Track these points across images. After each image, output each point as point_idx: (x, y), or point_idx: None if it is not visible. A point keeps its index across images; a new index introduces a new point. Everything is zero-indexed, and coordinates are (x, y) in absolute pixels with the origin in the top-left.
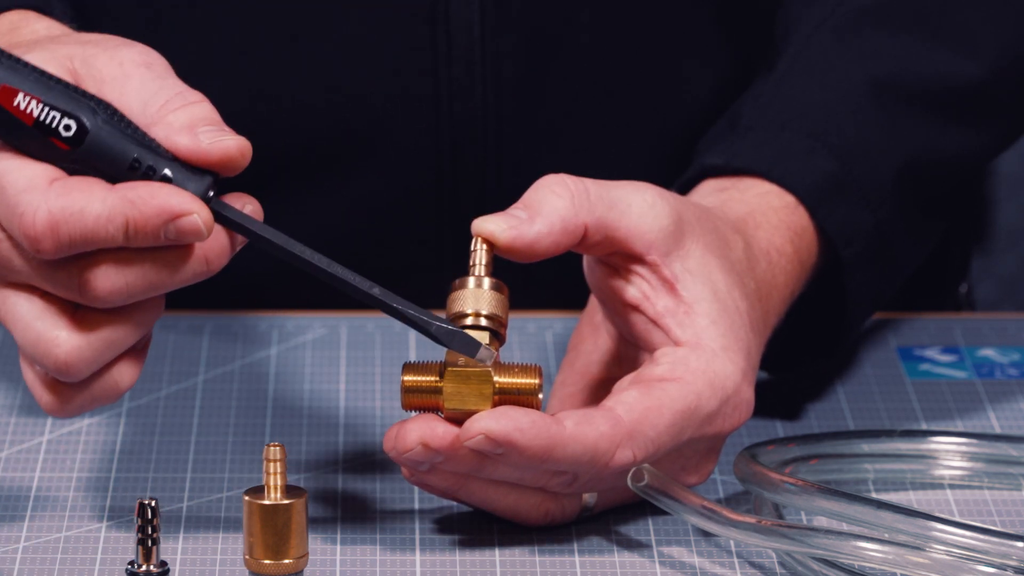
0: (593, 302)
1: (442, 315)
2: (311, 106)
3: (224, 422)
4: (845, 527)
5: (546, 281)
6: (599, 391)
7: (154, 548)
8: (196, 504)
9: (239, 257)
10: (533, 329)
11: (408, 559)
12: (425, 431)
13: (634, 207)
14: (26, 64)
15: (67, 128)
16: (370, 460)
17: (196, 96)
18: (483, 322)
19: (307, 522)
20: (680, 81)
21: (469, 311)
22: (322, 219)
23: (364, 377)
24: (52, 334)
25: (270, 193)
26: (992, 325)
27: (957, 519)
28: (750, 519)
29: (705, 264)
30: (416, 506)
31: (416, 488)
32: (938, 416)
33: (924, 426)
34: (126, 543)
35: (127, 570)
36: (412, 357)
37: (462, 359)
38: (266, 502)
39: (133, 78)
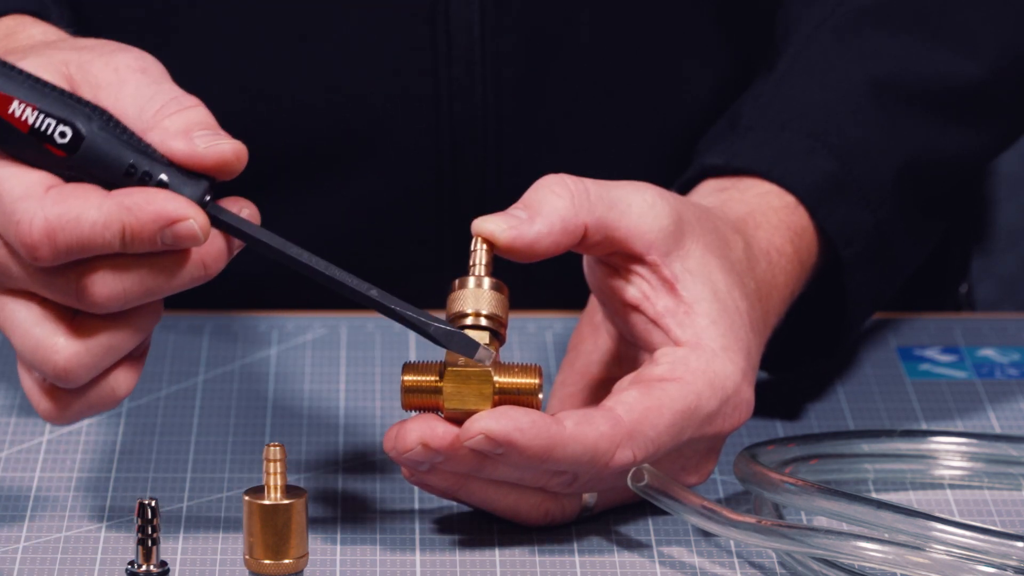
0: (593, 302)
1: (442, 316)
2: (311, 106)
3: (224, 422)
4: (845, 527)
5: (546, 281)
6: (599, 391)
7: (154, 548)
8: (196, 504)
9: (239, 257)
10: (533, 329)
11: (408, 559)
12: (425, 431)
13: (634, 207)
14: (21, 71)
15: (62, 135)
16: (370, 460)
17: (191, 101)
18: (483, 322)
19: (307, 522)
20: (680, 81)
21: (469, 311)
22: (322, 219)
23: (364, 377)
24: (51, 340)
25: (270, 193)
26: (992, 325)
27: (957, 519)
28: (750, 519)
29: (705, 264)
30: (416, 506)
31: (416, 488)
32: (938, 416)
33: (924, 426)
34: (126, 543)
35: (127, 570)
36: (412, 357)
37: (462, 359)
38: (266, 502)
39: (128, 83)
